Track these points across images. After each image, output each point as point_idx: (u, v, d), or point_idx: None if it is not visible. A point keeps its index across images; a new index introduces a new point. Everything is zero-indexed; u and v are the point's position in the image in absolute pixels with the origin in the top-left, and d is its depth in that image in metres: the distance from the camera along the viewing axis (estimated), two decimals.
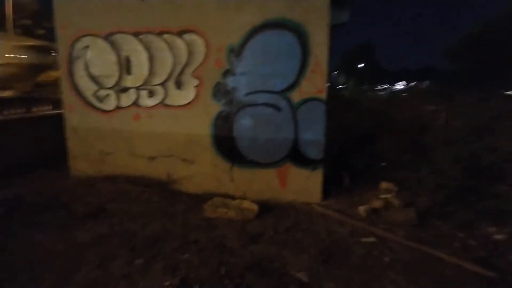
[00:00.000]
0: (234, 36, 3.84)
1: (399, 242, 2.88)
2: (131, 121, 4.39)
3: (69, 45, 4.47)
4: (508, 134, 5.15)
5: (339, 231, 3.11)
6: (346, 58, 38.68)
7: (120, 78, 4.35)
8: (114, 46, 4.30)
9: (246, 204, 3.49)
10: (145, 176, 4.38)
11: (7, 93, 6.49)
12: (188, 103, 4.11)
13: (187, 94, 4.10)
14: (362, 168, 4.68)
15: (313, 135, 3.78)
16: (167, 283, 2.24)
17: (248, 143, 3.98)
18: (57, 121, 4.82)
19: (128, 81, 4.33)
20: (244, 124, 3.96)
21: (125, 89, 4.36)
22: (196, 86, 4.05)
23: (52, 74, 7.10)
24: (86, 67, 4.47)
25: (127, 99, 4.37)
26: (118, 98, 4.41)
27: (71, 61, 4.51)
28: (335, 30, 3.61)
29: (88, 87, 4.50)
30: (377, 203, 3.52)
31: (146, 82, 4.25)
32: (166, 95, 4.19)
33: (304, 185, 3.88)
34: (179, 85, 4.12)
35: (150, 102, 4.27)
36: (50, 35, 4.76)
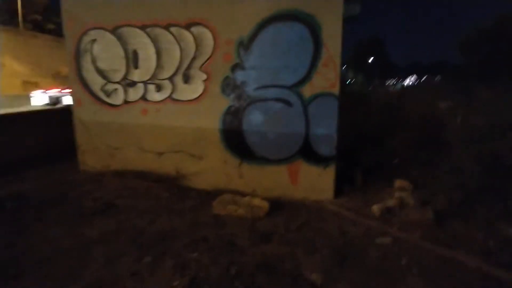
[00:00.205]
0: (244, 29, 3.72)
1: (416, 243, 2.75)
2: (139, 115, 4.34)
3: (77, 38, 4.44)
4: None
5: (353, 231, 3.00)
6: (355, 53, 37.98)
7: (128, 72, 4.30)
8: (121, 39, 4.24)
9: (256, 201, 3.40)
10: (153, 171, 4.34)
11: None
12: (196, 98, 4.03)
13: (195, 89, 4.01)
14: (375, 165, 4.53)
15: (326, 131, 3.65)
16: (176, 282, 2.18)
17: (258, 139, 3.88)
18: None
19: (136, 75, 4.27)
20: (253, 119, 3.86)
21: (133, 84, 4.30)
22: (204, 80, 3.96)
23: None
24: (94, 61, 4.43)
25: (134, 94, 4.32)
26: (126, 93, 4.36)
27: (78, 54, 4.48)
28: (346, 23, 3.45)
29: (95, 81, 4.48)
30: (391, 202, 3.38)
31: (153, 76, 4.18)
32: (174, 89, 4.11)
33: (315, 183, 3.77)
34: (187, 79, 4.03)
35: (158, 96, 4.20)
36: (60, 30, 4.74)
